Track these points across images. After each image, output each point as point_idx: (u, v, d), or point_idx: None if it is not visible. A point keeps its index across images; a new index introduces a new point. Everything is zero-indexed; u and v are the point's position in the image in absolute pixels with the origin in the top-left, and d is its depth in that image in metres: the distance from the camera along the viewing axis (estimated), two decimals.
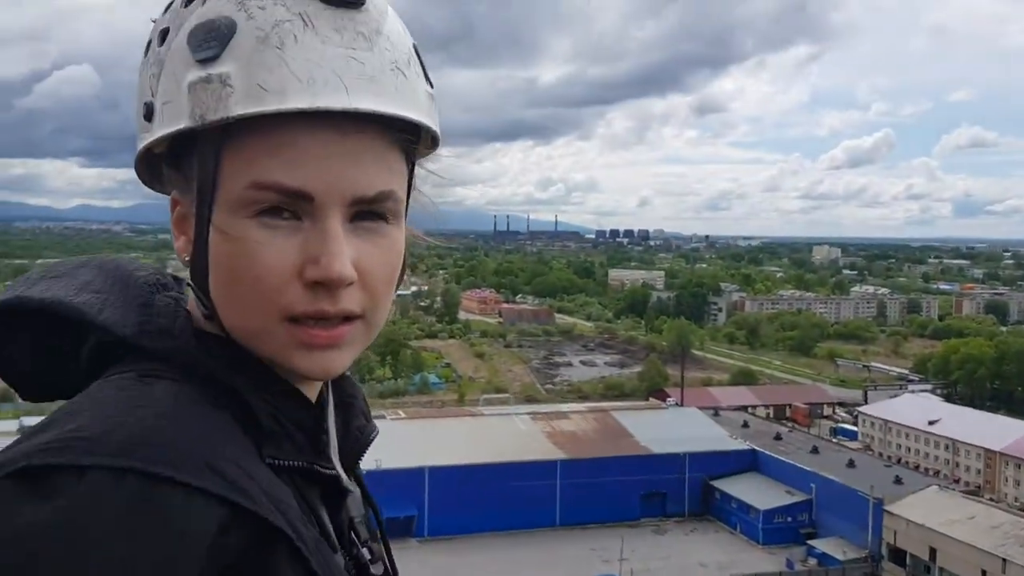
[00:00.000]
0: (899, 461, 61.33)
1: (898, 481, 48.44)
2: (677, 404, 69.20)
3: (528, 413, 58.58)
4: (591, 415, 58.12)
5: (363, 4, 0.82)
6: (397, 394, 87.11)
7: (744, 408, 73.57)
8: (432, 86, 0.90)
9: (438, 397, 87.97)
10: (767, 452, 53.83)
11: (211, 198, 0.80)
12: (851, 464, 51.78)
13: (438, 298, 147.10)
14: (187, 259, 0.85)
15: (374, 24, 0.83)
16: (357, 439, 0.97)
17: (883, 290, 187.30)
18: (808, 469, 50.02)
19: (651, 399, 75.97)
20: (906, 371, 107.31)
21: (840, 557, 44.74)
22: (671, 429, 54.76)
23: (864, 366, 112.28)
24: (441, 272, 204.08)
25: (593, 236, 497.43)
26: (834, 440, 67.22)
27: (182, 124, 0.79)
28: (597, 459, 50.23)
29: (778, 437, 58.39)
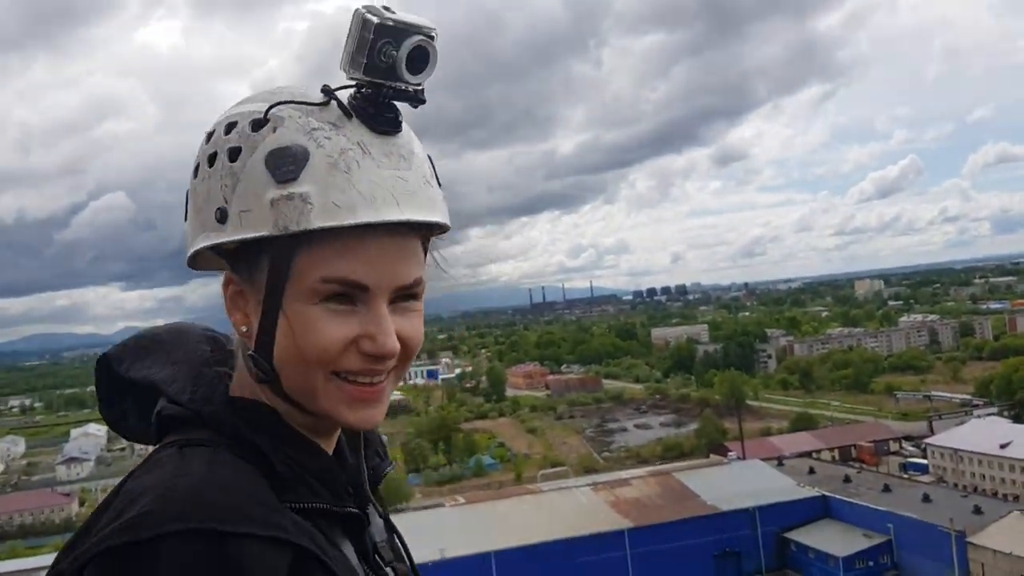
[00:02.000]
0: (975, 490, 59.32)
1: (977, 511, 46.84)
2: (739, 457, 67.88)
3: (588, 484, 57.73)
4: (653, 479, 57.14)
5: (401, 131, 1.05)
6: (453, 480, 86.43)
7: (808, 454, 71.95)
8: (441, 186, 1.12)
9: (495, 478, 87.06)
10: (838, 496, 52.45)
11: (282, 288, 1.00)
12: (926, 498, 50.28)
13: (483, 378, 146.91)
14: (244, 331, 1.07)
15: (408, 146, 1.05)
16: (372, 475, 1.21)
17: (932, 316, 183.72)
18: (883, 509, 48.56)
19: (712, 455, 74.62)
20: (969, 396, 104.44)
21: None
22: (736, 484, 53.64)
23: (925, 396, 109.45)
24: (483, 351, 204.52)
25: (631, 297, 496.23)
26: (905, 476, 65.48)
27: (264, 232, 0.99)
28: (665, 524, 49.19)
29: (847, 480, 56.99)
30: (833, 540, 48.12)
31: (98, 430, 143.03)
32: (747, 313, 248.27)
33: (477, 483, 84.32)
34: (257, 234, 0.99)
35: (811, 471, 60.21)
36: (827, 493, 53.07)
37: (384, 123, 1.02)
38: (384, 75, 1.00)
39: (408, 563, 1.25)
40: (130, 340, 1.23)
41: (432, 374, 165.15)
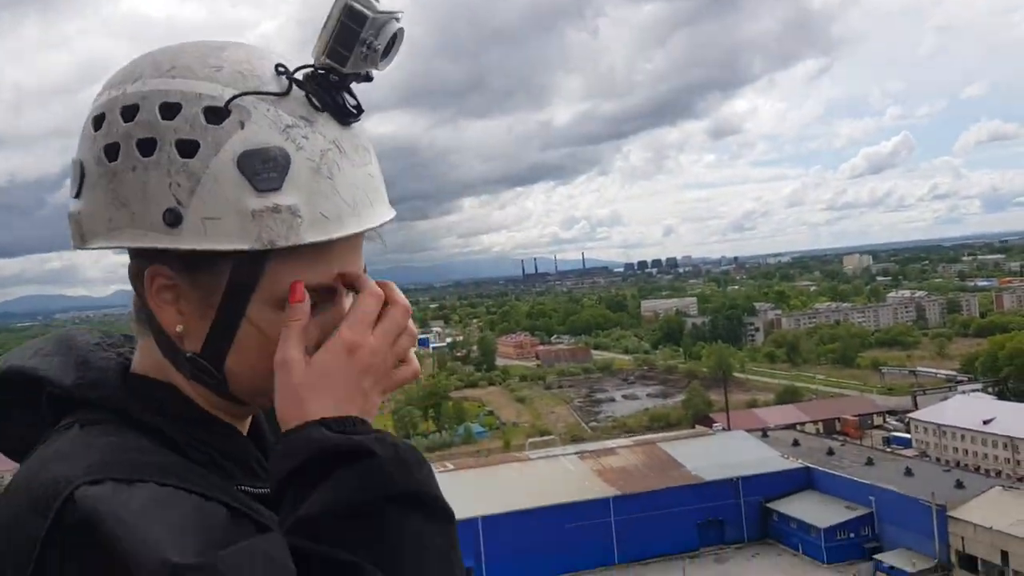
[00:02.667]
0: (957, 465, 60.06)
1: (959, 485, 47.45)
2: (724, 429, 68.54)
3: (575, 453, 58.27)
4: (639, 448, 57.70)
5: (359, 117, 0.95)
6: (442, 447, 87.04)
7: (792, 426, 72.54)
8: None
9: (483, 446, 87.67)
10: (821, 468, 53.05)
11: (248, 293, 0.93)
12: (908, 472, 50.86)
13: (474, 347, 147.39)
14: (179, 331, 0.96)
15: (365, 135, 0.97)
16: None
17: (920, 293, 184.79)
18: (865, 482, 49.18)
19: (697, 426, 75.29)
20: (954, 372, 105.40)
21: (909, 569, 43.74)
22: (721, 455, 54.23)
23: (910, 371, 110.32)
24: (474, 321, 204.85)
25: (622, 269, 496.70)
26: (888, 450, 66.16)
27: (244, 245, 0.89)
28: (650, 492, 49.80)
29: (831, 452, 57.56)
30: (815, 511, 48.76)
31: None
32: (736, 287, 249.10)
33: (466, 450, 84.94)
34: (234, 247, 0.90)
35: (795, 443, 60.78)
36: (810, 465, 53.68)
37: (350, 115, 0.95)
38: (356, 64, 0.92)
39: None
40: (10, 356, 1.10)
41: (423, 342, 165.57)
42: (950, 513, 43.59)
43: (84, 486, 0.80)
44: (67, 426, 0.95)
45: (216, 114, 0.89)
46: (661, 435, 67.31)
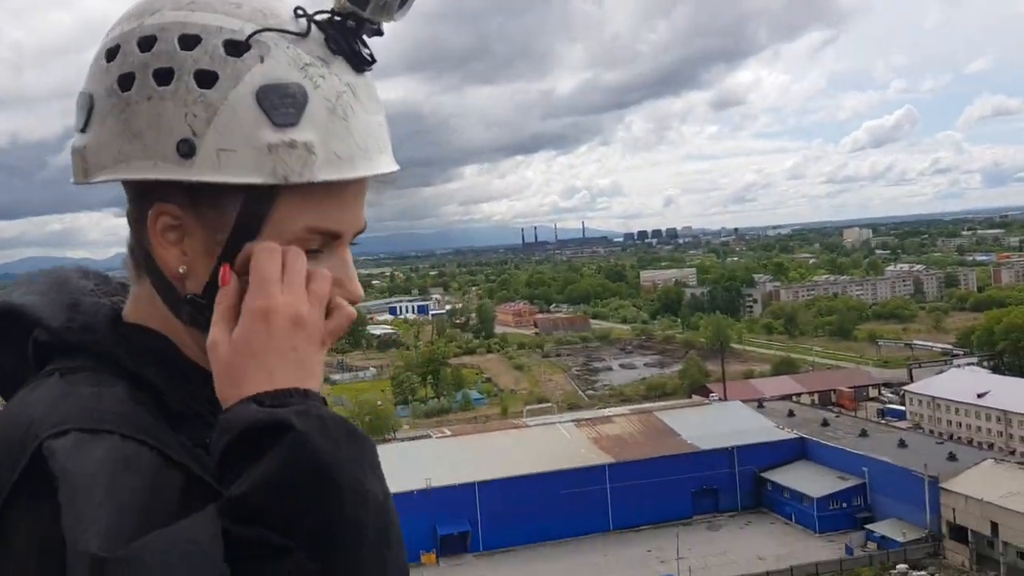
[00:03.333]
0: (951, 437, 60.54)
1: (952, 457, 47.90)
2: (720, 399, 68.99)
3: (572, 421, 58.75)
4: (635, 417, 58.14)
5: (371, 67, 0.95)
6: (440, 412, 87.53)
7: (788, 397, 73.06)
8: None
9: (481, 412, 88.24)
10: (815, 439, 53.50)
11: (255, 233, 0.91)
12: (902, 444, 51.30)
13: (473, 314, 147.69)
14: (182, 272, 0.94)
15: (374, 85, 0.97)
16: None
17: (918, 267, 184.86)
18: (859, 453, 49.65)
19: (694, 396, 75.77)
20: (950, 346, 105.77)
21: (900, 539, 44.35)
22: (717, 424, 54.65)
23: (906, 344, 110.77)
24: (473, 288, 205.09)
25: (621, 239, 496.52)
26: (882, 422, 66.60)
27: (257, 179, 0.88)
28: (645, 460, 50.28)
29: (825, 423, 58.00)
30: (809, 481, 49.26)
31: None
32: (735, 258, 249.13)
33: (464, 416, 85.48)
34: (248, 180, 0.88)
35: (791, 414, 61.22)
36: (805, 435, 54.12)
37: (364, 62, 0.94)
38: (375, 11, 0.92)
39: None
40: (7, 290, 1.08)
41: (423, 309, 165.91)
42: (942, 485, 44.06)
43: (49, 439, 0.81)
44: (48, 373, 0.94)
45: (236, 47, 0.89)
46: (658, 404, 67.81)
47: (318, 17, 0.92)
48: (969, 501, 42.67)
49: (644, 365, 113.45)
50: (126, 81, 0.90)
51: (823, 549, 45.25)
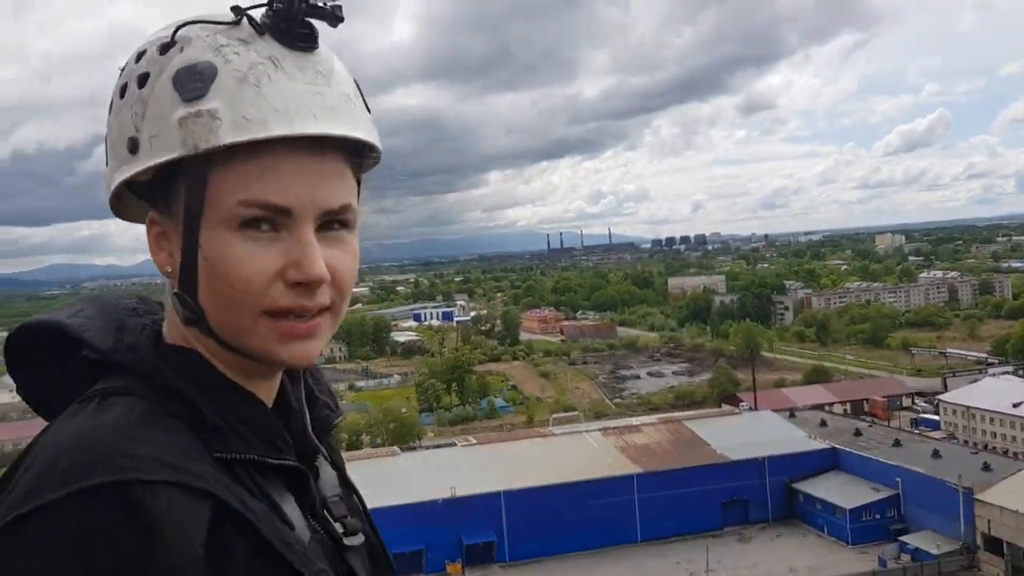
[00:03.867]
0: (986, 447, 59.29)
1: (987, 468, 46.92)
2: (750, 408, 68.14)
3: (599, 429, 58.18)
4: (663, 426, 57.49)
5: (317, 47, 0.98)
6: (465, 420, 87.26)
7: (820, 407, 72.03)
8: (370, 112, 1.06)
9: (507, 420, 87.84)
10: (848, 449, 52.66)
11: (199, 216, 0.94)
12: (936, 454, 50.34)
13: (498, 321, 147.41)
14: (170, 271, 0.99)
15: (327, 64, 0.99)
16: (319, 428, 1.13)
17: (952, 273, 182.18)
18: (892, 463, 48.76)
19: (723, 405, 74.89)
20: (984, 354, 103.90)
21: (934, 551, 43.41)
22: (747, 434, 53.91)
23: (940, 353, 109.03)
24: (499, 295, 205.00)
25: (649, 245, 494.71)
26: (916, 431, 65.50)
27: (175, 153, 0.93)
28: (674, 470, 49.65)
29: (858, 433, 57.11)
30: (841, 492, 48.43)
31: None
32: (766, 265, 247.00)
33: (489, 424, 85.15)
34: (168, 157, 0.94)
35: (823, 423, 60.35)
36: (837, 446, 53.27)
37: (298, 38, 0.97)
38: None
39: (365, 517, 1.19)
40: (53, 312, 1.10)
41: (447, 316, 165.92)
42: (977, 496, 43.10)
43: (113, 486, 0.81)
44: (101, 395, 0.96)
45: (165, 47, 0.97)
46: (686, 413, 67.02)
47: (255, 11, 0.98)
48: (1004, 512, 41.67)
49: (672, 373, 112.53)
50: (109, 106, 1.02)
51: (856, 561, 44.40)
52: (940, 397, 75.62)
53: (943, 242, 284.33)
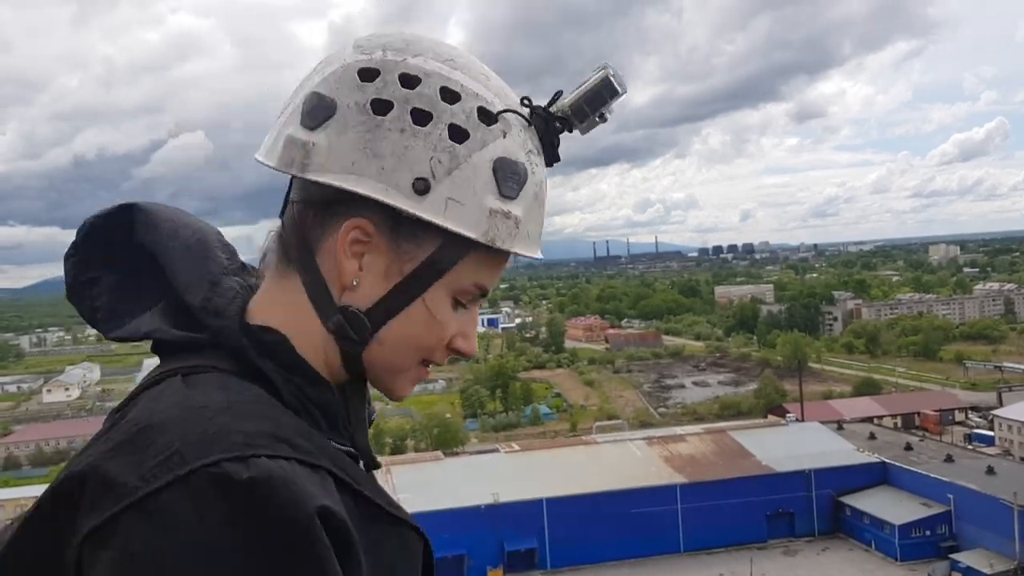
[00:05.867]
0: None
1: None
2: (797, 420, 67.18)
3: (643, 438, 57.83)
4: (708, 436, 56.95)
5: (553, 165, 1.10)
6: (509, 427, 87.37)
7: (869, 420, 70.80)
8: None
9: (550, 428, 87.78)
10: (898, 464, 51.64)
11: (440, 274, 1.02)
12: (990, 471, 49.13)
13: (543, 328, 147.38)
14: (354, 283, 1.02)
15: None
16: (369, 419, 1.18)
17: (1009, 285, 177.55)
18: (944, 479, 47.67)
19: (770, 416, 73.96)
20: None
21: (987, 571, 42.31)
22: (793, 446, 53.18)
23: (996, 367, 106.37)
24: (544, 302, 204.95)
25: (696, 254, 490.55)
26: (970, 447, 64.03)
27: (472, 234, 1.00)
28: (718, 481, 49.15)
29: (908, 447, 56.00)
30: (890, 507, 47.50)
31: None
32: (815, 275, 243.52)
33: (532, 431, 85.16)
34: (463, 232, 0.99)
35: (872, 436, 59.29)
36: (887, 460, 52.28)
37: (555, 160, 1.08)
38: (587, 126, 1.09)
39: None
40: (159, 208, 1.12)
41: (493, 322, 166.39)
42: None
43: (246, 459, 0.81)
44: (187, 371, 0.96)
45: (487, 116, 1.01)
46: (732, 423, 66.34)
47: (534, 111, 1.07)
48: None
49: (718, 383, 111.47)
50: (382, 107, 0.99)
51: None
52: (995, 412, 73.87)
53: (1000, 253, 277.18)
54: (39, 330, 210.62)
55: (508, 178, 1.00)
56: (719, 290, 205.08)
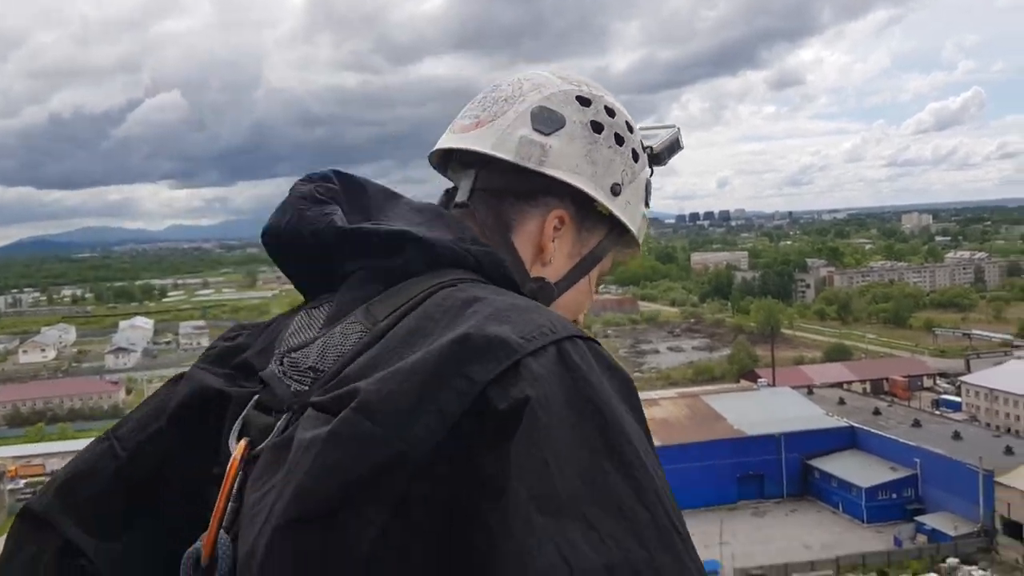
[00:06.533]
0: (1008, 431, 59.09)
1: (1008, 451, 46.76)
2: (769, 385, 68.09)
3: None
4: (682, 401, 57.67)
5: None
6: None
7: (839, 385, 71.90)
8: None
9: None
10: (866, 428, 52.56)
11: (603, 256, 1.34)
12: (957, 436, 50.18)
13: None
14: (548, 260, 1.27)
15: None
16: None
17: (980, 254, 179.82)
18: (911, 444, 48.63)
19: (742, 381, 74.92)
20: (1010, 337, 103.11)
21: (951, 532, 43.39)
22: (764, 410, 53.96)
23: (964, 334, 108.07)
24: None
25: (673, 221, 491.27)
26: (937, 412, 65.21)
27: (632, 227, 1.35)
28: (690, 444, 49.79)
29: (877, 412, 56.97)
30: (858, 470, 48.40)
31: (145, 323, 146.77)
32: (789, 242, 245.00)
33: None
34: (629, 225, 1.33)
35: (841, 402, 60.27)
36: (855, 424, 53.18)
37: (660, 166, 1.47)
38: (655, 162, 1.43)
39: None
40: (371, 186, 1.27)
41: None
42: (997, 479, 43.00)
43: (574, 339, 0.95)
44: (462, 280, 1.08)
45: (642, 147, 1.38)
46: (705, 388, 67.15)
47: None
48: None
49: (692, 348, 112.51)
50: (597, 127, 1.29)
51: (871, 540, 44.50)
52: (962, 378, 75.14)
53: (972, 223, 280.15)
54: (14, 291, 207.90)
55: (649, 193, 1.39)
56: (695, 257, 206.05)
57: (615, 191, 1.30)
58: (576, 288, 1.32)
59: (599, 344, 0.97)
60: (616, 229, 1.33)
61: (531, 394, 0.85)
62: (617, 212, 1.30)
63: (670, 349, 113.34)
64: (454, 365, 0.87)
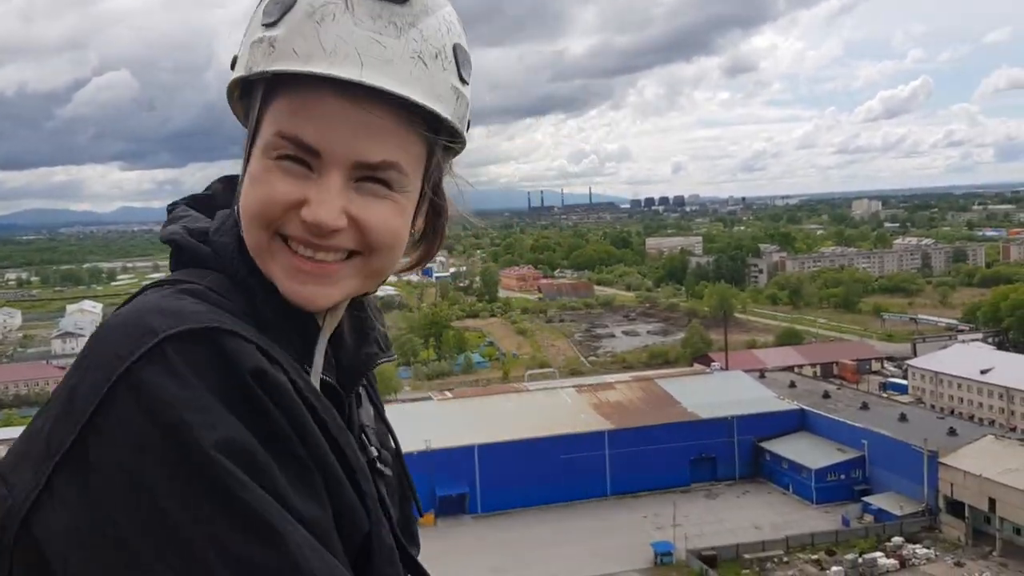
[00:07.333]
0: (952, 413, 60.52)
1: (952, 433, 47.88)
2: (722, 368, 68.90)
3: (573, 386, 58.73)
4: (636, 384, 58.11)
5: (408, 2, 0.97)
6: (442, 375, 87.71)
7: (790, 368, 72.98)
8: (465, 84, 1.05)
9: (483, 376, 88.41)
10: (816, 411, 53.49)
11: (254, 137, 0.99)
12: (903, 418, 51.27)
13: (477, 278, 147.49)
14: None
15: (410, 18, 0.97)
16: (363, 362, 1.13)
17: (927, 240, 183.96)
18: (859, 426, 49.64)
19: (695, 365, 75.70)
20: (955, 321, 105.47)
21: (897, 512, 44.45)
22: (717, 393, 54.62)
23: (911, 319, 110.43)
24: (479, 252, 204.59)
25: (628, 206, 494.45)
26: (884, 395, 66.53)
27: (239, 73, 1.00)
28: (644, 427, 50.33)
29: (826, 395, 57.96)
30: (808, 452, 49.30)
31: (93, 306, 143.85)
32: (742, 227, 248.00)
33: (465, 379, 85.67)
34: (236, 75, 1.00)
35: (792, 385, 61.20)
36: (805, 407, 54.09)
37: None
38: None
39: (397, 458, 1.26)
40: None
41: (426, 272, 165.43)
42: (941, 460, 44.05)
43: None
44: (173, 283, 0.97)
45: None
46: (659, 372, 67.73)
47: None
48: (967, 476, 42.69)
49: (647, 332, 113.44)
50: None
51: (819, 520, 45.42)
52: (909, 362, 76.79)
53: (919, 209, 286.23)
54: None
55: (271, 9, 0.97)
56: (650, 241, 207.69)
57: (232, 63, 1.04)
58: (244, 191, 1.00)
59: None
60: (258, 92, 0.99)
61: None
62: (232, 77, 1.02)
63: (625, 333, 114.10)
64: None
